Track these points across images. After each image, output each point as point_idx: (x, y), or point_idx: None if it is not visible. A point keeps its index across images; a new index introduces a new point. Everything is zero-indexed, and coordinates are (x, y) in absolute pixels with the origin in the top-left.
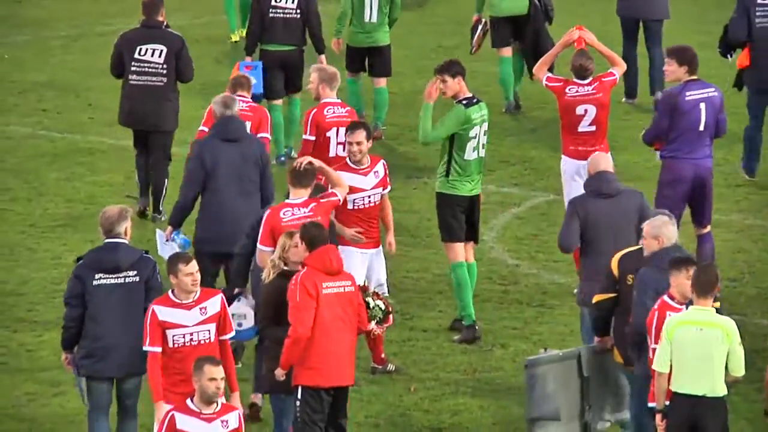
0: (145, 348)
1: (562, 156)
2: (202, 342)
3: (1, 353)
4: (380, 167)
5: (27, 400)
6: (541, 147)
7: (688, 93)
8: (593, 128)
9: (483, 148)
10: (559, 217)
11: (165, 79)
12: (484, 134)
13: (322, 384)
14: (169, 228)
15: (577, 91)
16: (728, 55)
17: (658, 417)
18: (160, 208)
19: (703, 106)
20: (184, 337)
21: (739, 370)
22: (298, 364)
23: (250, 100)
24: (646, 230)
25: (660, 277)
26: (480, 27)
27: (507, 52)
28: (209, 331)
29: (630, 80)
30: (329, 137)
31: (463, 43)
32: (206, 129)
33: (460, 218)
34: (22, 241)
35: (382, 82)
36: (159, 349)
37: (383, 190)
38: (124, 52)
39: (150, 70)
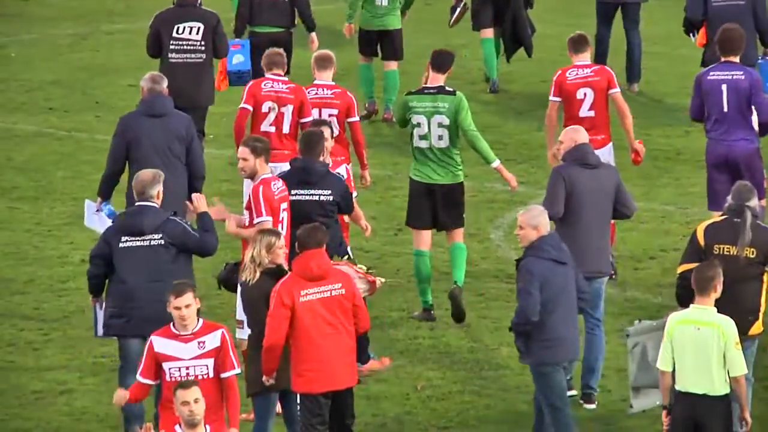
0: (136, 377)
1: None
2: (200, 377)
3: (8, 351)
4: (343, 170)
5: (34, 399)
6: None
7: (711, 73)
8: (592, 113)
9: (440, 139)
10: None
11: (203, 56)
12: (438, 126)
13: (315, 390)
14: (99, 199)
15: (576, 74)
16: (691, 34)
17: (664, 414)
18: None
19: (724, 87)
20: (179, 370)
21: (735, 370)
22: (293, 371)
23: (288, 80)
24: (524, 220)
25: (543, 265)
26: (459, 7)
27: (488, 33)
28: (207, 366)
29: (599, 61)
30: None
31: (471, 43)
32: (248, 106)
33: (420, 204)
34: (28, 239)
35: (393, 65)
36: (148, 381)
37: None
38: (161, 32)
39: (188, 47)
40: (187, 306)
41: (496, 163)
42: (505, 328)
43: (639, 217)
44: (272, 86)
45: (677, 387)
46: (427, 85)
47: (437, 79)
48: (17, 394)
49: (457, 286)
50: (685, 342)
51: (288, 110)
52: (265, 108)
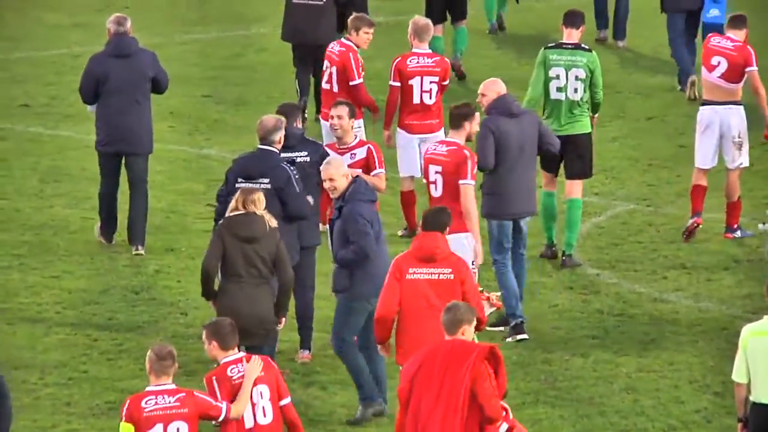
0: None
1: None
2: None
3: (81, 361)
4: (362, 150)
5: (107, 409)
6: (621, 157)
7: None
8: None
9: (575, 92)
10: (640, 227)
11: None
12: (576, 79)
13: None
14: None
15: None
16: None
17: (739, 427)
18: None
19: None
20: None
21: None
22: (396, 345)
23: (343, 42)
24: (331, 172)
25: (366, 207)
26: None
27: None
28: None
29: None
30: (411, 85)
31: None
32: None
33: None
34: (102, 249)
35: (462, 23)
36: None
37: (364, 171)
38: None
39: None
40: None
41: (596, 116)
42: (578, 338)
43: (713, 228)
44: (331, 48)
45: (752, 398)
46: (564, 41)
47: (572, 36)
48: (90, 404)
49: (567, 257)
50: (758, 353)
51: (334, 70)
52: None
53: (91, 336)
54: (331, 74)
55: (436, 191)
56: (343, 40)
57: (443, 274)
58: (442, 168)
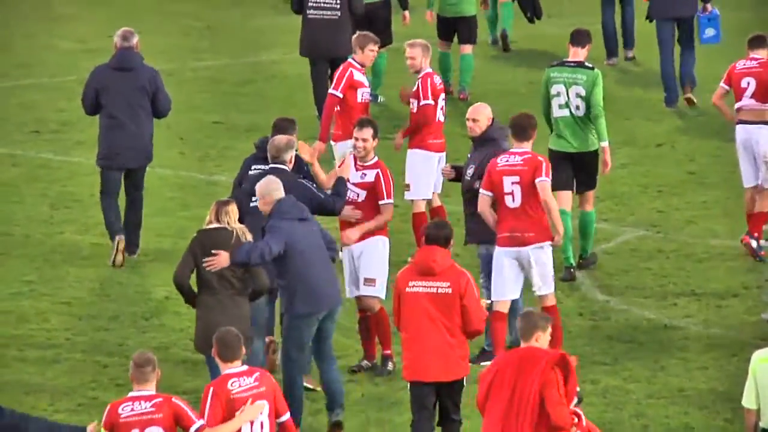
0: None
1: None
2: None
3: (90, 387)
4: (371, 174)
5: None
6: (631, 183)
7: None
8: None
9: (577, 109)
10: (650, 254)
11: (339, 13)
12: (576, 96)
13: (407, 378)
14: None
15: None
16: None
17: None
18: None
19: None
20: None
21: None
22: (402, 359)
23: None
24: (261, 193)
25: (288, 224)
26: None
27: None
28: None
29: (609, 42)
30: (436, 103)
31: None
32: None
33: (559, 169)
34: (112, 275)
35: (467, 48)
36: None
37: (374, 197)
38: None
39: (325, 5)
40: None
41: (605, 143)
42: (588, 365)
43: (722, 255)
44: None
45: (762, 424)
46: (567, 59)
47: (577, 54)
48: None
49: (584, 259)
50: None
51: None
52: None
53: (101, 362)
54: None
55: (514, 202)
56: (349, 59)
57: (441, 288)
58: (520, 178)
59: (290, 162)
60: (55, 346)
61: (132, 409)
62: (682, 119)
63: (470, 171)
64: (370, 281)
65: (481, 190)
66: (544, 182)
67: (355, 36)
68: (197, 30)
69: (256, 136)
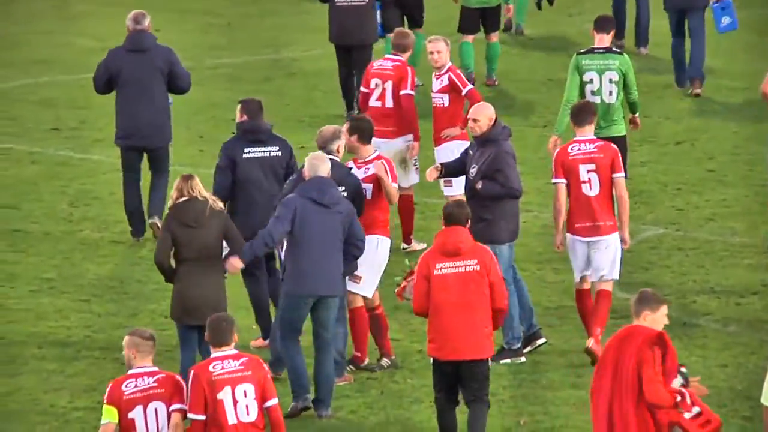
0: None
1: None
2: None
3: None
4: (372, 166)
5: None
6: (650, 181)
7: None
8: None
9: (610, 94)
10: (669, 252)
11: (366, 0)
12: (609, 82)
13: (437, 356)
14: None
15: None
16: None
17: None
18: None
19: None
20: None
21: None
22: (428, 338)
23: (399, 59)
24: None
25: (300, 201)
26: None
27: None
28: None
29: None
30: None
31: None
32: (363, 89)
33: None
34: (132, 273)
35: (494, 37)
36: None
37: (375, 186)
38: None
39: None
40: None
41: (637, 114)
42: None
43: (742, 253)
44: (380, 65)
45: None
46: (595, 46)
47: (603, 40)
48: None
49: None
50: None
51: (389, 86)
52: (372, 84)
53: (120, 359)
54: (384, 90)
55: (592, 189)
56: (390, 56)
57: (470, 266)
58: (597, 165)
59: (338, 152)
60: (74, 344)
61: (135, 385)
62: (702, 117)
63: (473, 171)
64: (355, 277)
65: (554, 180)
66: (621, 178)
67: (402, 34)
68: (216, 27)
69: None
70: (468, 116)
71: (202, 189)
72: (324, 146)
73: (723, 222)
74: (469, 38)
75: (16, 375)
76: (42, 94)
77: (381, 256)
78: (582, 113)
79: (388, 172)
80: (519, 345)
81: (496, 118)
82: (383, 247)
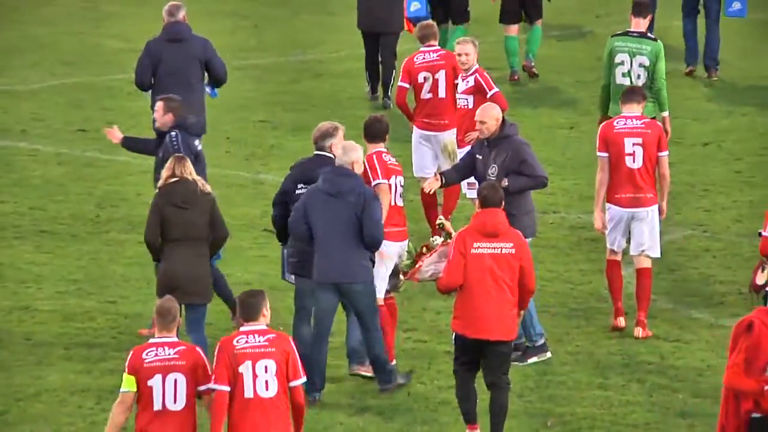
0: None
1: None
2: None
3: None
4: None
5: None
6: (677, 182)
7: None
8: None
9: (638, 78)
10: (696, 253)
11: None
12: (639, 66)
13: (464, 333)
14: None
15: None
16: None
17: None
18: (389, 94)
19: None
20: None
21: None
22: (455, 314)
23: (439, 48)
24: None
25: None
26: None
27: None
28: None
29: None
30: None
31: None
32: (404, 84)
33: None
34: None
35: (537, 22)
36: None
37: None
38: None
39: None
40: None
41: (666, 113)
42: (635, 363)
43: None
44: (424, 57)
45: None
46: (630, 30)
47: (639, 25)
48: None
49: None
50: None
51: (441, 76)
52: (420, 78)
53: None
54: (435, 81)
55: (635, 163)
56: (425, 48)
57: (505, 248)
58: (643, 139)
59: (330, 149)
60: (101, 345)
61: (156, 354)
62: (729, 118)
63: (492, 171)
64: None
65: (599, 153)
66: (666, 156)
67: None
68: (244, 28)
69: (301, 135)
70: (475, 117)
71: (192, 171)
72: (316, 142)
73: (750, 223)
74: (513, 30)
75: (43, 376)
76: (69, 95)
77: (385, 261)
78: (632, 93)
79: (379, 168)
80: (543, 340)
81: (503, 119)
82: (387, 251)
